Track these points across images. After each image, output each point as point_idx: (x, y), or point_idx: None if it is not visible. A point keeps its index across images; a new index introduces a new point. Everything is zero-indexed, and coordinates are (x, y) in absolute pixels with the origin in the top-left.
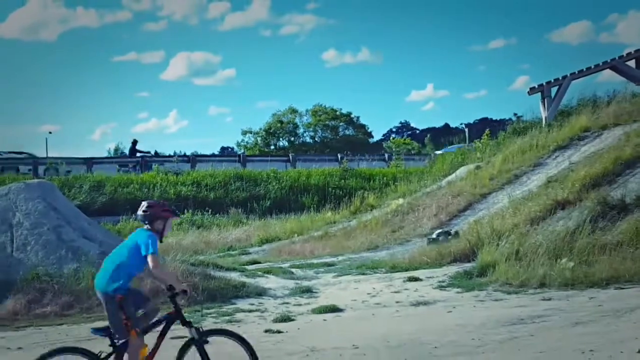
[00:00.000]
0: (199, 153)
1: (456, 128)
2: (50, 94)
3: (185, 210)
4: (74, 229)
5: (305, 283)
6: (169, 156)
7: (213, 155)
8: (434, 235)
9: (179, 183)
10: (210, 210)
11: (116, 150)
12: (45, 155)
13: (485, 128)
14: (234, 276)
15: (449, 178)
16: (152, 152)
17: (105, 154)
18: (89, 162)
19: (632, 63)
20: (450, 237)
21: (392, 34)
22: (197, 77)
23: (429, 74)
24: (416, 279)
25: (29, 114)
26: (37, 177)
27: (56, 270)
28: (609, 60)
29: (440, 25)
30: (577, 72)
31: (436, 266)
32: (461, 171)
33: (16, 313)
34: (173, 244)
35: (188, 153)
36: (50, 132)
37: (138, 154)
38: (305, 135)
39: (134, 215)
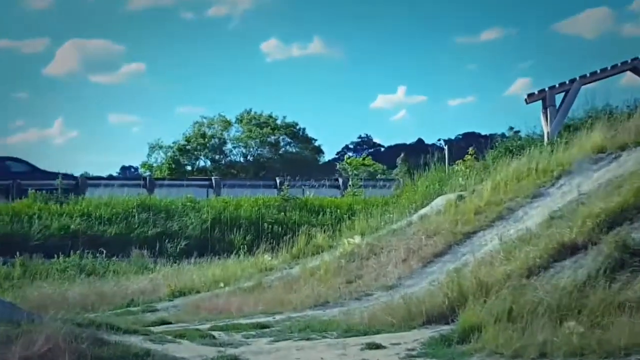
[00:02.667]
0: (91, 174)
1: (433, 145)
2: None
3: (72, 251)
4: None
5: (231, 351)
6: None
7: (111, 177)
8: None
9: (65, 214)
10: (105, 252)
11: None
12: None
13: (471, 144)
14: (135, 341)
15: (422, 211)
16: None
17: None
18: None
19: None
20: None
21: (355, 21)
22: (94, 73)
23: (401, 74)
24: (378, 347)
25: None
26: None
27: None
28: (629, 60)
29: (418, 10)
30: (589, 75)
31: (404, 329)
32: (438, 202)
33: None
34: (54, 297)
35: (77, 174)
36: None
37: None
38: (234, 152)
39: (1, 258)
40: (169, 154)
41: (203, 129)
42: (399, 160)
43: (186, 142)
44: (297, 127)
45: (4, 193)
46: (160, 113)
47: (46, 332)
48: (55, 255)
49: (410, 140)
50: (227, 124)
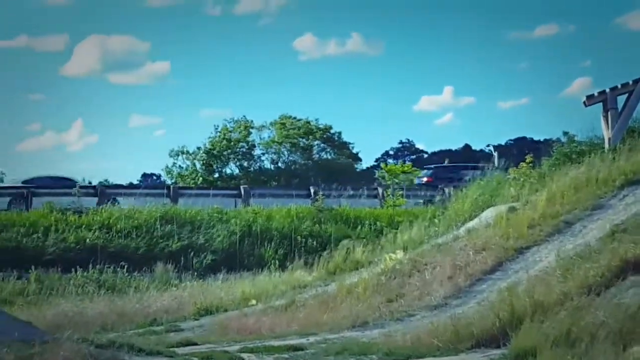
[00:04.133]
0: (110, 182)
1: (481, 151)
2: None
3: (91, 266)
4: None
5: None
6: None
7: (132, 185)
8: None
9: (83, 226)
10: (126, 267)
11: None
12: None
13: (523, 151)
14: None
15: (470, 224)
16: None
17: None
18: None
19: None
20: None
21: (398, 15)
22: (115, 72)
23: (447, 74)
24: None
25: None
26: None
27: None
28: None
29: (466, 3)
30: None
31: (451, 353)
32: (487, 215)
33: None
34: (72, 315)
35: (95, 182)
36: None
37: None
38: (264, 158)
39: (15, 272)
40: (195, 161)
41: (228, 133)
42: None
43: (212, 147)
44: (332, 132)
45: None
46: (184, 115)
47: (63, 354)
48: (73, 270)
49: (456, 145)
50: (252, 128)
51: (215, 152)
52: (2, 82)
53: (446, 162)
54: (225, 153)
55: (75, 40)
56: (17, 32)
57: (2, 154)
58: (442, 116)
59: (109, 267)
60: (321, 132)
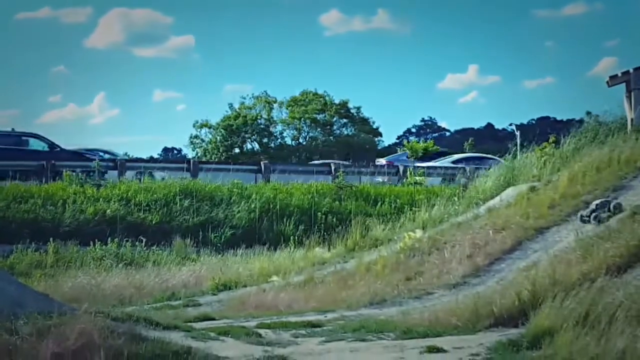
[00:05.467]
0: (130, 156)
1: (503, 130)
2: None
3: (109, 239)
4: None
5: (279, 351)
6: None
7: (152, 159)
8: (586, 213)
9: (101, 199)
10: (144, 240)
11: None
12: None
13: (546, 130)
14: (176, 338)
15: (491, 203)
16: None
17: None
18: None
19: None
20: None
21: None
22: (138, 46)
23: (473, 52)
24: (439, 350)
25: None
26: None
27: None
28: None
29: None
30: None
31: (469, 331)
32: (508, 194)
33: None
34: (89, 288)
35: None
36: None
37: None
38: (285, 134)
39: (33, 244)
40: (217, 136)
41: (244, 110)
42: (465, 146)
43: (230, 124)
44: (350, 107)
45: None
46: (207, 91)
47: (80, 326)
48: (91, 243)
49: (479, 124)
50: (270, 104)
51: (233, 128)
52: (25, 54)
53: None
54: (243, 129)
55: (99, 13)
56: (40, 4)
57: (23, 125)
58: (466, 94)
59: (127, 241)
60: (337, 107)
